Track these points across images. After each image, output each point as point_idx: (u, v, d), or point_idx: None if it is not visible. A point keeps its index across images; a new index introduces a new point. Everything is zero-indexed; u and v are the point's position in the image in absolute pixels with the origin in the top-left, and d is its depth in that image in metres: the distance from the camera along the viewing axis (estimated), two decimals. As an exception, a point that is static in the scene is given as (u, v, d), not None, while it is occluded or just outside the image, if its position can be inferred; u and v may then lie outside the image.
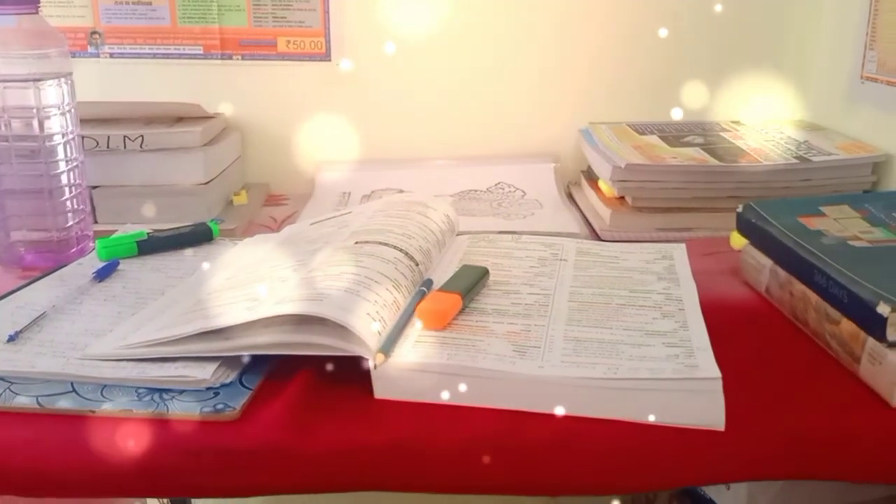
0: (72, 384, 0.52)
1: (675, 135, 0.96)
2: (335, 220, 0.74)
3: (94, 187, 0.84)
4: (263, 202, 0.98)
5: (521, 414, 0.49)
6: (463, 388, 0.50)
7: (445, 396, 0.50)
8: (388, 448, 0.48)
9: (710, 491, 0.73)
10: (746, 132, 0.98)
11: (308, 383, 0.53)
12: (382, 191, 0.96)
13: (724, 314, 0.60)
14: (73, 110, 0.74)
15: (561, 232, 0.81)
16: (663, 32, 1.01)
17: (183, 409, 0.49)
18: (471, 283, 0.60)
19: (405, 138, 1.04)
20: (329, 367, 0.53)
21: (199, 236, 0.77)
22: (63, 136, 0.73)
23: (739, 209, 0.71)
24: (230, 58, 1.01)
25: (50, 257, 0.73)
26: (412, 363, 0.51)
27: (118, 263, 0.71)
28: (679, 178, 0.85)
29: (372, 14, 0.99)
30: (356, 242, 0.63)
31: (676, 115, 1.01)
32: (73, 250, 0.75)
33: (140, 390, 0.51)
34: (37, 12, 0.70)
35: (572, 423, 0.49)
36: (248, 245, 0.74)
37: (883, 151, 0.87)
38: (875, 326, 0.51)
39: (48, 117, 0.71)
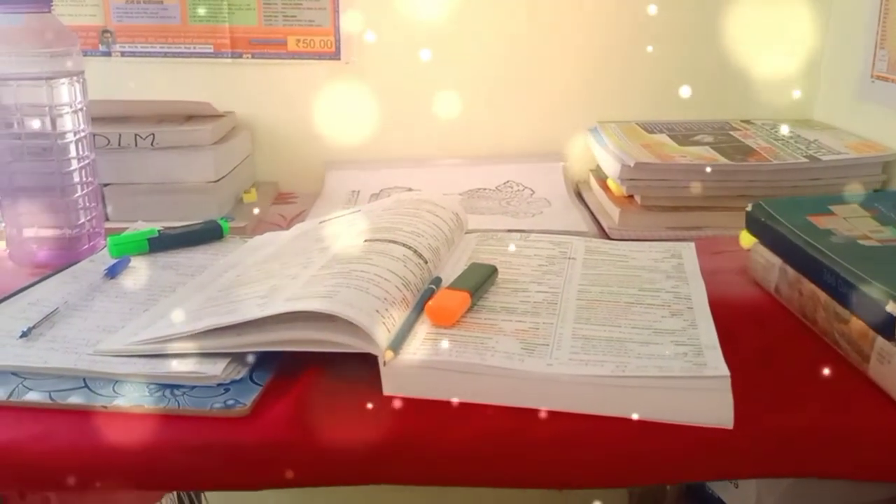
0: (84, 380, 0.53)
1: (684, 133, 0.96)
2: (344, 218, 0.75)
3: (106, 185, 0.84)
4: (273, 200, 0.98)
5: (529, 411, 0.50)
6: (471, 385, 0.50)
7: (454, 393, 0.50)
8: (397, 444, 0.48)
9: (718, 489, 0.73)
10: (756, 131, 0.97)
11: (317, 380, 0.53)
12: (391, 189, 0.96)
13: (733, 313, 0.60)
14: (84, 108, 0.74)
15: (569, 230, 0.81)
16: (671, 30, 1.01)
17: (194, 405, 0.50)
18: (479, 281, 0.61)
19: (414, 137, 1.04)
20: (338, 364, 0.53)
21: (209, 234, 0.77)
22: (75, 134, 0.73)
23: (749, 208, 0.70)
24: (240, 56, 1.01)
25: (62, 254, 0.74)
26: (421, 360, 0.51)
27: (129, 260, 0.71)
28: (688, 177, 0.84)
29: (381, 14, 1.00)
30: (365, 240, 0.64)
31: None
32: (85, 247, 0.75)
33: (151, 386, 0.52)
34: (49, 11, 0.71)
35: (580, 420, 0.49)
36: (258, 243, 0.74)
37: (893, 150, 0.87)
38: (884, 326, 0.51)
39: (60, 115, 0.72)
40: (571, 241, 0.73)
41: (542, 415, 0.49)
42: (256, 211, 0.90)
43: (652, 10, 1.01)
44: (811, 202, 0.70)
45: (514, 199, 0.94)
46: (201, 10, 0.99)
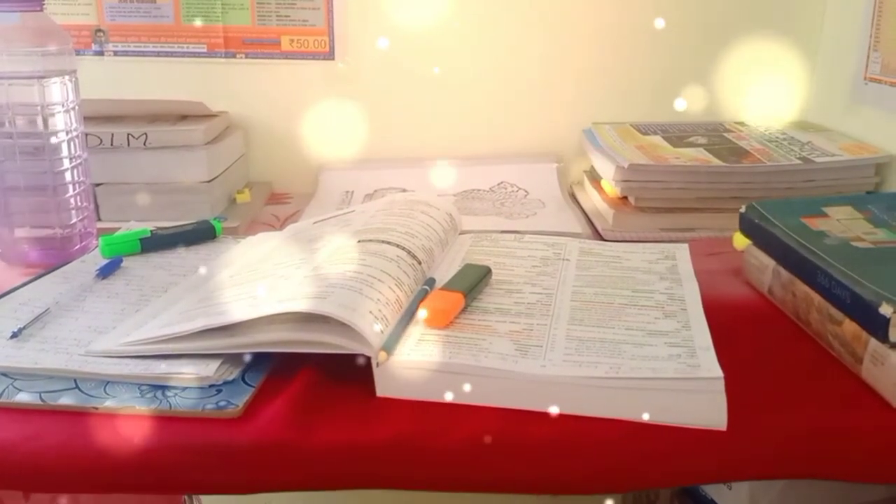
0: (75, 381, 0.52)
1: (678, 135, 0.96)
2: (338, 218, 0.75)
3: (98, 185, 0.84)
4: (266, 201, 0.98)
5: (522, 413, 0.49)
6: (465, 386, 0.50)
7: (447, 395, 0.50)
8: (390, 446, 0.48)
9: (712, 491, 0.73)
10: (750, 132, 0.98)
11: (310, 381, 0.53)
12: (385, 190, 0.96)
13: (727, 314, 0.60)
14: (77, 108, 0.74)
15: (563, 232, 0.81)
16: (666, 32, 1.01)
17: (185, 406, 0.49)
18: (473, 282, 0.60)
19: (408, 138, 1.04)
20: (331, 365, 0.53)
21: (202, 234, 0.77)
22: (67, 133, 0.73)
23: (742, 210, 0.71)
24: (234, 56, 1.01)
25: (53, 254, 0.73)
26: (414, 362, 0.51)
27: (121, 261, 0.71)
28: (682, 179, 0.84)
29: (375, 14, 0.99)
30: (359, 241, 0.64)
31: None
32: (77, 247, 0.75)
33: (143, 387, 0.51)
34: (41, 10, 0.70)
35: (574, 422, 0.49)
36: (251, 243, 0.74)
37: (886, 153, 0.87)
38: (877, 327, 0.51)
39: (52, 115, 0.71)
40: (565, 242, 0.73)
41: (536, 417, 0.49)
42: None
43: (648, 12, 1.01)
44: (804, 204, 0.70)
45: (509, 200, 0.94)
46: (195, 10, 0.99)
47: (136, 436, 0.48)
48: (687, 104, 1.01)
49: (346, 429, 0.49)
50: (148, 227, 0.75)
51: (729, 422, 0.48)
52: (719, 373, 0.48)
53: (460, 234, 0.75)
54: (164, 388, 0.51)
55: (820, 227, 0.65)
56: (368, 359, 0.51)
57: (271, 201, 0.98)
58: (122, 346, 0.55)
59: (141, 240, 0.73)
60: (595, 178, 0.95)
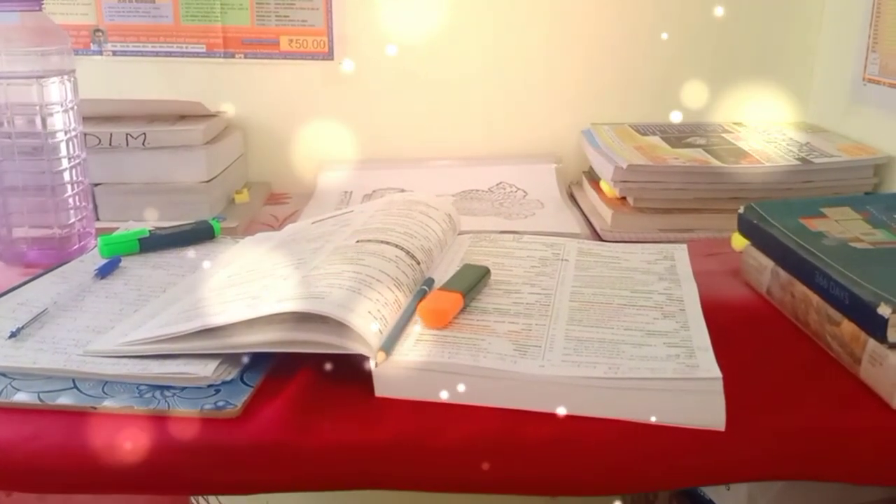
0: (73, 381, 0.52)
1: (676, 136, 0.96)
2: (336, 218, 0.74)
3: (97, 185, 0.84)
4: (265, 201, 0.98)
5: (521, 413, 0.49)
6: (463, 387, 0.50)
7: (446, 395, 0.50)
8: (389, 446, 0.48)
9: (710, 491, 0.73)
10: (748, 133, 0.98)
11: (309, 381, 0.53)
12: (384, 190, 0.96)
13: (725, 315, 0.60)
14: (75, 108, 0.74)
15: (562, 232, 0.81)
16: (665, 34, 1.01)
17: (184, 407, 0.49)
18: (472, 282, 0.60)
19: (407, 138, 1.04)
20: (330, 365, 0.53)
21: (200, 234, 0.77)
22: (66, 133, 0.73)
23: (741, 210, 0.71)
24: (233, 56, 1.01)
25: (52, 254, 0.73)
26: (413, 362, 0.51)
27: (120, 261, 0.71)
28: (681, 179, 0.85)
29: (374, 14, 0.99)
30: (357, 241, 0.64)
31: (675, 118, 1.01)
32: (75, 247, 0.75)
33: (141, 387, 0.51)
34: (40, 10, 0.70)
35: (573, 422, 0.49)
36: (250, 243, 0.74)
37: (885, 154, 0.87)
38: (876, 328, 0.51)
39: (51, 114, 0.71)
40: (564, 242, 0.73)
41: (534, 417, 0.49)
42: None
43: (647, 12, 1.01)
44: (803, 204, 0.70)
45: (507, 200, 0.94)
46: (194, 10, 0.99)
47: (135, 436, 0.48)
48: (685, 105, 1.02)
49: (345, 429, 0.49)
50: (146, 227, 0.75)
51: (727, 422, 0.48)
52: (718, 373, 0.48)
53: (459, 234, 0.75)
54: (162, 388, 0.51)
55: (818, 227, 0.65)
56: (367, 359, 0.51)
57: (270, 201, 0.98)
58: (121, 346, 0.55)
59: (139, 240, 0.73)
60: (594, 179, 0.95)
